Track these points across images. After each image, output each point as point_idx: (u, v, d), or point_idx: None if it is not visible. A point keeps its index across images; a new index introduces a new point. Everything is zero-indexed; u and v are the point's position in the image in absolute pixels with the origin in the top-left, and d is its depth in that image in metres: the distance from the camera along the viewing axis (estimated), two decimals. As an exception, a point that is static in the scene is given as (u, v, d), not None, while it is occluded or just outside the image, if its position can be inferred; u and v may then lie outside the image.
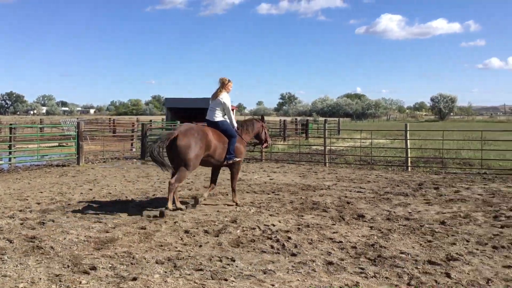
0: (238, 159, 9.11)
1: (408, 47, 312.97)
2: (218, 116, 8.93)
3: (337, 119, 57.80)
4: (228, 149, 8.84)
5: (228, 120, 9.08)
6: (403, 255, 6.08)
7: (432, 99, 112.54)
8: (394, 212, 8.81)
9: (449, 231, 7.33)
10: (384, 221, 8.05)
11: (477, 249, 6.38)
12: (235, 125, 9.16)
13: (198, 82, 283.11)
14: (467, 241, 6.80)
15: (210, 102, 9.24)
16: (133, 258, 5.85)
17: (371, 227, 7.58)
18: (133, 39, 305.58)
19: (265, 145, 10.04)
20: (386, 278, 5.28)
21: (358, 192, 11.23)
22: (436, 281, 5.12)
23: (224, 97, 8.94)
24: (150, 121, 37.93)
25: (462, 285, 5.04)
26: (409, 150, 16.62)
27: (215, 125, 8.91)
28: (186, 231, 7.20)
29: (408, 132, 16.82)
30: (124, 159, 19.51)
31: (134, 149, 23.83)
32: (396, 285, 5.03)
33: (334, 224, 7.78)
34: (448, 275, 5.31)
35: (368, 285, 5.04)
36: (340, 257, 6.03)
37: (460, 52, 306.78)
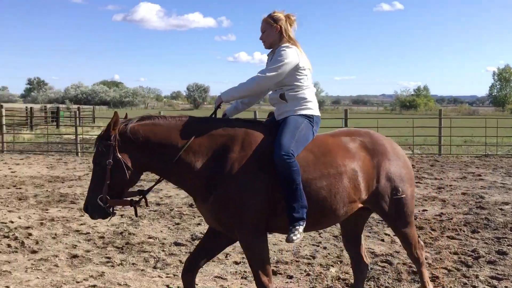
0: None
1: (166, 37, 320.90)
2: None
3: (91, 106, 55.60)
4: None
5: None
6: (151, 240, 6.18)
7: (188, 88, 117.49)
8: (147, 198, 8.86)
9: (196, 213, 7.75)
10: (135, 208, 8.04)
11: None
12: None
13: None
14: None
15: None
16: None
17: (121, 215, 7.49)
18: None
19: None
20: (133, 264, 5.29)
21: (110, 181, 10.99)
22: (180, 261, 5.35)
23: None
24: None
25: (204, 262, 5.38)
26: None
27: None
28: None
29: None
30: None
31: None
32: (142, 270, 5.09)
33: (82, 216, 7.44)
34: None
35: (114, 273, 4.97)
36: (86, 248, 5.80)
37: (213, 45, 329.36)
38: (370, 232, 6.57)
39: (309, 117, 3.68)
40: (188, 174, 3.44)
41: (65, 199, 8.72)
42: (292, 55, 3.62)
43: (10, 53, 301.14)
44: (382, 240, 6.21)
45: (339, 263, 5.33)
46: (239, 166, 3.41)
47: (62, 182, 10.64)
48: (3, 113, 18.48)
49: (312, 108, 3.74)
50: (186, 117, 3.58)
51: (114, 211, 3.43)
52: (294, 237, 3.36)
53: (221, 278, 4.90)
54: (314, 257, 5.53)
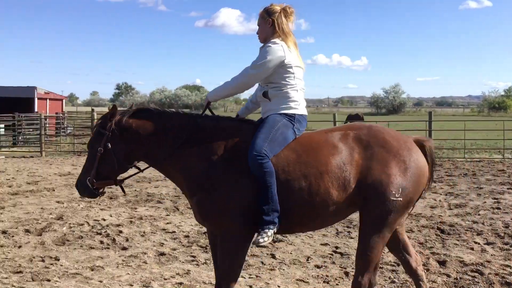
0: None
1: (246, 41, 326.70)
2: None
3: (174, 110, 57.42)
4: None
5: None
6: (233, 241, 6.29)
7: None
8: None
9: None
10: (217, 209, 8.23)
11: (300, 230, 6.88)
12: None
13: None
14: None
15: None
16: None
17: (204, 216, 7.70)
18: None
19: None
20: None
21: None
22: (262, 262, 5.41)
23: None
24: None
25: (286, 264, 5.40)
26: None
27: None
28: (4, 232, 6.56)
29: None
30: None
31: None
32: (225, 270, 5.19)
33: (168, 215, 7.75)
34: (273, 256, 5.64)
35: (199, 272, 5.13)
36: (173, 247, 6.03)
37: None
38: (458, 240, 6.27)
39: (290, 116, 3.51)
40: (177, 172, 3.51)
41: (152, 198, 9.11)
42: (277, 51, 3.48)
43: (100, 59, 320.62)
44: (472, 249, 5.90)
45: (425, 271, 5.13)
46: (226, 167, 3.37)
47: (149, 183, 11.12)
48: (95, 117, 19.64)
49: (295, 108, 3.56)
50: (178, 114, 3.59)
51: (104, 191, 3.67)
52: (261, 240, 3.24)
53: (303, 281, 4.90)
54: (398, 264, 5.36)
